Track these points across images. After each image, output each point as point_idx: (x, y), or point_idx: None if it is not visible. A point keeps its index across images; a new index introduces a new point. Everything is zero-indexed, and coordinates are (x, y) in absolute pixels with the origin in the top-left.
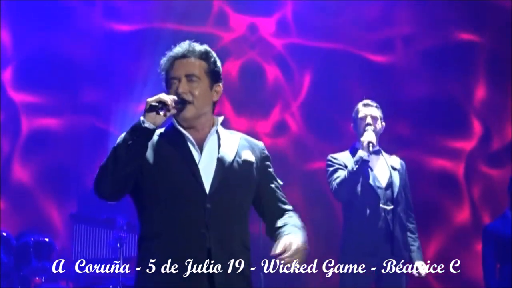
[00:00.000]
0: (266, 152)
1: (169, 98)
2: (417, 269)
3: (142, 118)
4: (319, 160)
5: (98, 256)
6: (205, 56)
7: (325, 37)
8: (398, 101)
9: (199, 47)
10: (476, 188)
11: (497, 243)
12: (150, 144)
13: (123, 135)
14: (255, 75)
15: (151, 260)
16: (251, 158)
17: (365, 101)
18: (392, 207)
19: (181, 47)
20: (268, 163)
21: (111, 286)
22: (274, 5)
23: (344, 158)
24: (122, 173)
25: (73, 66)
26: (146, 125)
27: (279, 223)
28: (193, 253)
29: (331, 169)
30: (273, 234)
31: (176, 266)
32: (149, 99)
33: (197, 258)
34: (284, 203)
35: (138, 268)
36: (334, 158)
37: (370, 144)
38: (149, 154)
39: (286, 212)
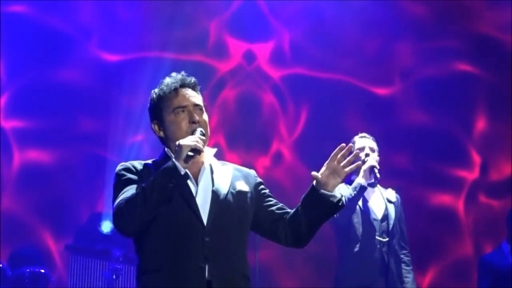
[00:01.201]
0: (258, 178)
1: (201, 143)
2: None
3: (177, 163)
4: None
5: (93, 287)
6: (198, 88)
7: (322, 67)
8: (396, 132)
9: (191, 78)
10: (476, 220)
11: (493, 276)
12: (145, 176)
13: (155, 177)
14: (251, 105)
15: None
16: (245, 188)
17: (361, 134)
18: (387, 239)
19: (178, 78)
20: (262, 186)
21: None
22: (271, 33)
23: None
24: (150, 215)
25: (69, 96)
26: (183, 172)
27: (291, 212)
28: (193, 285)
29: None
30: (293, 224)
31: None
32: (185, 145)
33: None
34: (283, 209)
35: None
36: None
37: (376, 170)
38: None
39: (289, 211)
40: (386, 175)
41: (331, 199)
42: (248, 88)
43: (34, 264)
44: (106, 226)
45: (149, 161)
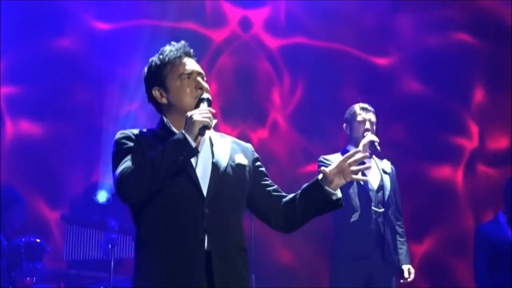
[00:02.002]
0: (255, 153)
1: (212, 119)
2: (403, 272)
3: (188, 137)
4: (311, 162)
5: (89, 257)
6: (196, 59)
7: (319, 36)
8: (394, 103)
9: (191, 50)
10: (474, 190)
11: (489, 248)
12: (146, 144)
13: (165, 149)
14: (247, 75)
15: (150, 265)
16: (244, 161)
17: (363, 105)
18: (383, 209)
19: (181, 46)
20: (259, 163)
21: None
22: (268, 2)
23: (335, 159)
24: (157, 185)
25: (63, 66)
26: (194, 145)
27: (288, 197)
28: (193, 257)
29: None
30: (288, 210)
31: (175, 271)
32: (197, 121)
33: (196, 262)
34: (279, 192)
35: (136, 273)
36: (326, 159)
37: (376, 143)
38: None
39: (284, 195)
40: (383, 146)
41: (332, 197)
42: (244, 57)
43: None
44: (102, 196)
45: (146, 129)
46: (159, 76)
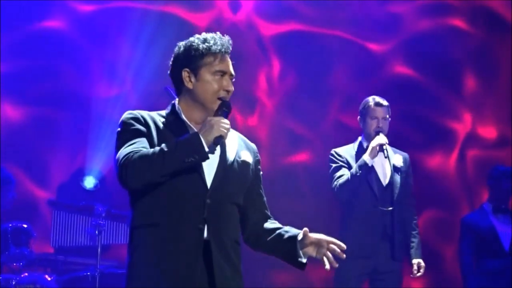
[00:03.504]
0: (258, 155)
1: (227, 134)
2: (413, 266)
3: (204, 142)
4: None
5: (76, 243)
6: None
7: (312, 21)
8: (386, 89)
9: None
10: (466, 176)
11: (475, 236)
12: (155, 129)
13: (176, 146)
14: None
15: (146, 250)
16: (249, 159)
17: (378, 99)
18: (391, 208)
19: (225, 41)
20: (259, 167)
21: (89, 273)
22: None
23: (348, 154)
24: (162, 178)
25: (50, 49)
26: (207, 149)
27: (271, 225)
28: (191, 245)
29: (334, 165)
30: (263, 236)
31: (172, 258)
32: (216, 129)
33: (194, 251)
34: (268, 210)
35: (131, 257)
36: (338, 154)
37: (384, 146)
38: (155, 140)
39: (270, 219)
40: None
41: (299, 259)
42: (233, 41)
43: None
44: (89, 182)
45: (155, 113)
46: (196, 61)
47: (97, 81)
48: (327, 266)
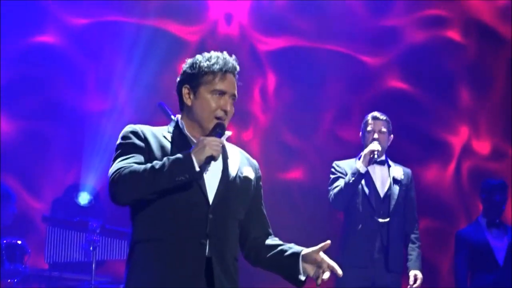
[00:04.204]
0: (260, 172)
1: (221, 151)
2: (410, 278)
3: (195, 162)
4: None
5: (71, 259)
6: (238, 75)
7: (306, 35)
8: (380, 101)
9: (238, 65)
10: (463, 189)
11: (469, 250)
12: (157, 143)
13: (169, 165)
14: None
15: (146, 265)
16: (251, 175)
17: (375, 114)
18: (387, 219)
19: (230, 61)
20: (261, 183)
21: None
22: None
23: (348, 166)
24: (151, 195)
25: (44, 64)
26: (198, 169)
27: (273, 242)
28: (192, 261)
29: (332, 176)
30: (264, 252)
31: (174, 273)
32: (208, 150)
33: (197, 266)
34: (269, 227)
35: (130, 272)
36: (337, 166)
37: (375, 153)
38: (157, 154)
39: (271, 236)
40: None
41: (298, 276)
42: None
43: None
44: (83, 198)
45: (158, 128)
46: (196, 79)
47: (91, 95)
48: (319, 282)
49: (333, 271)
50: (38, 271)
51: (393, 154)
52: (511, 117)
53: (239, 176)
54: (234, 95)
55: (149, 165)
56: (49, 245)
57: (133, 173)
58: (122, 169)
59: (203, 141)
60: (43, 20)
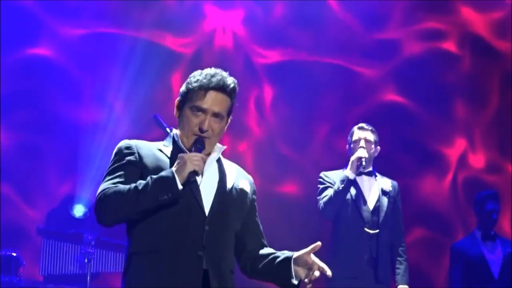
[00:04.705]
0: (255, 186)
1: (203, 166)
2: None
3: (177, 179)
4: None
5: (65, 271)
6: (233, 94)
7: (302, 48)
8: (377, 114)
9: (231, 83)
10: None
11: (465, 263)
12: (152, 158)
13: (151, 185)
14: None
15: (142, 277)
16: (247, 188)
17: (361, 125)
18: (377, 231)
19: (217, 78)
20: (255, 197)
21: None
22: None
23: (336, 177)
24: (134, 215)
25: (40, 76)
26: (180, 187)
27: (266, 251)
28: (189, 273)
29: (321, 186)
30: (258, 262)
31: (170, 284)
32: (189, 166)
33: (194, 279)
34: (264, 238)
35: (127, 285)
36: (326, 176)
37: (363, 159)
38: (152, 169)
39: (266, 247)
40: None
41: (291, 280)
42: (222, 68)
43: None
44: (78, 210)
45: (154, 143)
46: (183, 94)
47: (86, 107)
48: (309, 284)
49: (323, 273)
50: (33, 283)
51: (389, 166)
52: (511, 130)
53: (235, 188)
54: (215, 113)
55: (133, 185)
56: (44, 257)
57: (117, 194)
58: (107, 189)
59: (183, 157)
60: (38, 33)
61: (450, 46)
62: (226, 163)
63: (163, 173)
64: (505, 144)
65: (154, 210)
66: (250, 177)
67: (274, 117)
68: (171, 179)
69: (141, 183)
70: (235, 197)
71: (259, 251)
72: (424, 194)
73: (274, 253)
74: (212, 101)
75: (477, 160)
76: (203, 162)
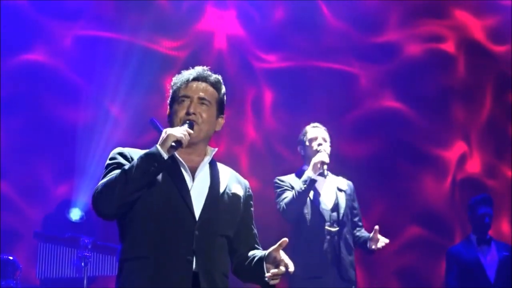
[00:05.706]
0: (250, 191)
1: (187, 137)
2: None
3: (160, 149)
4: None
5: (62, 275)
6: (218, 85)
7: (296, 51)
8: (373, 118)
9: (214, 75)
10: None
11: (460, 268)
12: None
13: (137, 161)
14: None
15: (134, 282)
16: (240, 192)
17: (314, 124)
18: (337, 228)
19: (196, 70)
20: (251, 202)
21: None
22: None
23: (291, 180)
24: (129, 197)
25: (37, 82)
26: (166, 157)
27: (250, 253)
28: (179, 277)
29: (278, 190)
30: (244, 264)
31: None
32: (171, 135)
33: (184, 282)
34: (258, 244)
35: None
36: (281, 180)
37: (324, 166)
38: None
39: (254, 250)
40: (363, 161)
41: (265, 277)
42: (219, 72)
43: None
44: (75, 214)
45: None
46: (171, 95)
47: (82, 111)
48: (274, 282)
49: (287, 268)
50: (29, 287)
51: (389, 171)
52: (510, 134)
53: (227, 193)
54: (201, 98)
55: (120, 170)
56: (41, 261)
57: (108, 182)
58: (99, 185)
59: (167, 131)
60: (35, 37)
61: (447, 49)
62: (221, 167)
63: (147, 150)
64: (503, 147)
65: (145, 215)
66: (245, 182)
67: (271, 121)
68: (155, 152)
69: (127, 165)
70: (226, 202)
71: (247, 253)
72: (423, 198)
73: (254, 254)
74: (196, 88)
75: (475, 163)
76: (189, 134)
